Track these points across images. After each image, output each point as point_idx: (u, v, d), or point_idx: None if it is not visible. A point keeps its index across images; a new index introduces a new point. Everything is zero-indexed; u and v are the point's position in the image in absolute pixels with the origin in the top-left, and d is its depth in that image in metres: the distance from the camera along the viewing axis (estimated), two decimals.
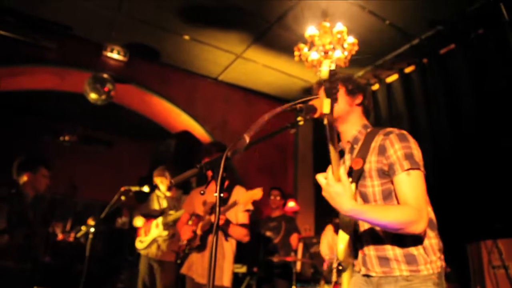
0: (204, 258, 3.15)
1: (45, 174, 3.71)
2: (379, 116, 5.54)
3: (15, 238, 3.41)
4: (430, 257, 1.58)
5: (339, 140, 1.94)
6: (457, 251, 3.67)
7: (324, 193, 1.54)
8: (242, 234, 3.19)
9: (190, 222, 3.37)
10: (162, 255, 4.10)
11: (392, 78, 5.61)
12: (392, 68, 5.52)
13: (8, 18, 4.88)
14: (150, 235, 4.21)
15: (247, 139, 1.47)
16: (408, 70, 5.34)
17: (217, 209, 1.35)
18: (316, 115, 1.80)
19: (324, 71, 1.33)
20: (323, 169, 1.59)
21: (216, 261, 3.01)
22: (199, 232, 3.21)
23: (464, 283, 3.65)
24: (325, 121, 1.43)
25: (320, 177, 1.55)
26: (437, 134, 4.67)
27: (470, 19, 4.47)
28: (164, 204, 4.34)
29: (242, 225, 3.22)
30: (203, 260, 3.16)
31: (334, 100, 1.38)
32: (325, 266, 4.68)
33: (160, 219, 4.21)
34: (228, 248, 3.18)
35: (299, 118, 1.74)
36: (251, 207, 3.25)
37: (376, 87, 5.81)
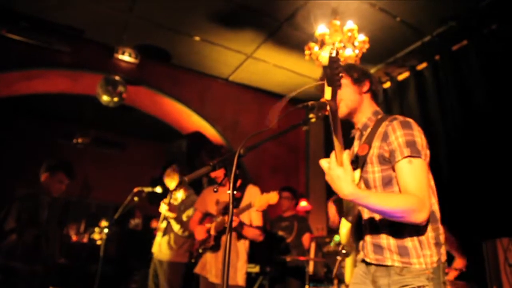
0: (218, 258, 3.15)
1: (61, 180, 3.73)
2: (391, 114, 5.48)
3: (23, 238, 3.41)
4: (424, 251, 1.55)
5: (353, 127, 1.94)
6: (473, 249, 3.62)
7: (326, 177, 1.52)
8: (256, 234, 3.19)
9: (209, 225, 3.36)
10: (163, 255, 4.12)
11: (404, 75, 5.56)
12: (403, 66, 5.47)
13: (22, 23, 4.96)
14: (156, 237, 4.28)
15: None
16: (420, 67, 5.29)
17: (231, 206, 1.35)
18: (328, 112, 1.79)
19: (323, 57, 1.30)
20: None
21: (231, 262, 3.03)
22: (212, 232, 3.22)
23: (480, 282, 3.59)
24: (327, 108, 1.42)
25: (324, 162, 1.54)
26: (450, 131, 4.61)
27: (483, 14, 4.41)
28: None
29: (257, 226, 3.22)
30: (217, 260, 3.16)
31: (337, 86, 1.35)
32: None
33: (159, 222, 4.28)
34: (242, 247, 3.18)
35: (311, 115, 1.74)
36: (260, 223, 3.25)
37: (387, 85, 5.77)
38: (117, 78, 5.41)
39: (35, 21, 5.01)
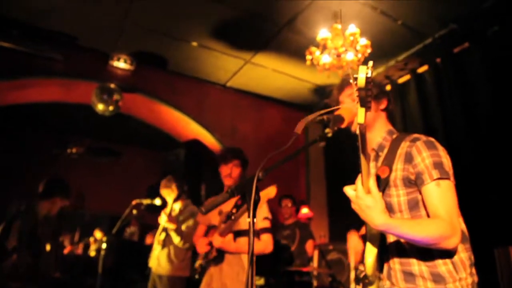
0: (222, 271, 2.98)
1: (58, 203, 3.76)
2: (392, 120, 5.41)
3: (24, 258, 3.37)
4: (459, 274, 1.48)
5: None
6: (485, 256, 3.53)
7: (353, 206, 1.44)
8: (263, 246, 3.02)
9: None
10: (163, 270, 4.00)
11: (404, 78, 5.49)
12: (404, 69, 5.40)
13: (13, 30, 4.81)
14: (154, 250, 4.15)
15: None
16: (421, 70, 5.22)
17: (251, 235, 1.24)
18: (344, 126, 1.70)
19: (360, 79, 1.21)
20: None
21: (237, 276, 2.88)
22: (215, 243, 3.05)
23: None
24: (357, 131, 1.34)
25: (349, 189, 1.44)
26: (452, 135, 4.54)
27: (485, 16, 4.35)
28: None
29: (265, 230, 3.05)
30: (221, 274, 2.99)
31: (368, 109, 1.29)
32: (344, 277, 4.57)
33: (157, 234, 4.17)
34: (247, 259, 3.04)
35: (327, 130, 1.65)
36: (269, 215, 3.10)
37: (388, 88, 5.69)
38: (112, 86, 5.26)
39: (26, 29, 4.86)
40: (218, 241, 2.95)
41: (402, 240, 1.59)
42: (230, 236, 2.96)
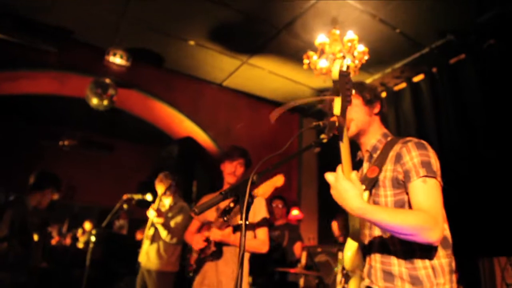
0: (218, 267, 2.92)
1: (49, 195, 3.74)
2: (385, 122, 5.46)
3: (14, 247, 3.34)
4: (437, 279, 1.49)
5: (359, 149, 1.90)
6: (469, 267, 3.58)
7: (332, 191, 1.45)
8: (257, 246, 3.01)
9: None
10: (152, 264, 4.00)
11: (400, 86, 5.53)
12: (400, 77, 5.44)
13: (7, 22, 4.75)
14: (143, 245, 4.14)
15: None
16: (416, 79, 5.27)
17: (243, 238, 1.25)
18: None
19: (334, 71, 1.27)
20: None
21: (232, 273, 2.88)
22: (213, 237, 3.00)
23: None
24: (336, 123, 1.38)
25: (329, 175, 1.47)
26: (445, 144, 4.60)
27: (482, 29, 4.40)
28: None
29: (263, 230, 3.05)
30: (216, 270, 2.92)
31: (347, 102, 1.32)
32: (330, 280, 4.60)
33: (146, 229, 4.15)
34: (245, 257, 3.04)
35: (322, 136, 1.67)
36: (268, 216, 3.08)
37: (383, 95, 5.73)
38: (107, 80, 5.21)
39: (21, 20, 4.80)
40: (218, 235, 2.89)
41: (385, 240, 1.61)
42: (229, 228, 2.90)
